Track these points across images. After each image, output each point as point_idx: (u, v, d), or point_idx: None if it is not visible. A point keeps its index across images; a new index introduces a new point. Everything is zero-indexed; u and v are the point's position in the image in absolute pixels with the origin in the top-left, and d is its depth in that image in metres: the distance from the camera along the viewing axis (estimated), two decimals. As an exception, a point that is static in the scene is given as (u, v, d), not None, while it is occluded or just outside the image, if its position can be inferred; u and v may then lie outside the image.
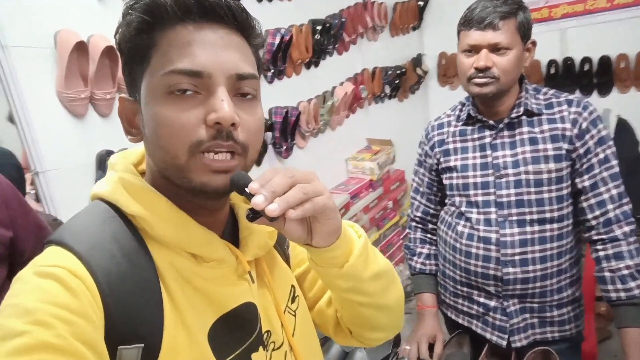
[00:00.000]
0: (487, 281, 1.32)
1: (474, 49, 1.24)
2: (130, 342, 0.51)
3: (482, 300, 1.36)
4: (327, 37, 2.48)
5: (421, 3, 3.35)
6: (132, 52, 0.56)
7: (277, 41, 2.13)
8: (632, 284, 1.20)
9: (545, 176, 1.26)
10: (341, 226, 0.61)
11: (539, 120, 1.28)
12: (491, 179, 1.31)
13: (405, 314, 2.19)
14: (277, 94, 2.25)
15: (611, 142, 1.25)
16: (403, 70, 3.16)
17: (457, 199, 1.38)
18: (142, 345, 0.52)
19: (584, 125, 1.23)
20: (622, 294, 1.21)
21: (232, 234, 0.65)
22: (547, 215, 1.27)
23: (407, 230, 1.58)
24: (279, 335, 0.65)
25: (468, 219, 1.35)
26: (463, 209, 1.36)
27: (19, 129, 1.52)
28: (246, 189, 0.53)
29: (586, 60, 2.96)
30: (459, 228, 1.37)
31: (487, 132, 1.33)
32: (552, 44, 2.98)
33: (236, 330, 0.60)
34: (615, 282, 1.22)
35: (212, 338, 0.57)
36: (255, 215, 0.53)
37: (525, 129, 1.29)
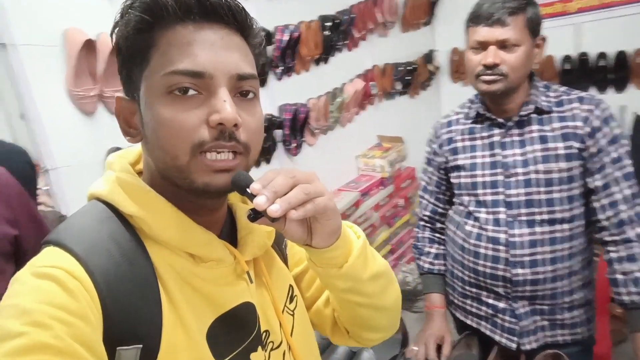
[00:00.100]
0: (495, 282, 1.30)
1: (481, 46, 1.22)
2: (129, 342, 0.51)
3: (490, 301, 1.34)
4: (337, 33, 2.47)
5: (433, -2, 3.31)
6: (130, 52, 0.56)
7: (285, 38, 2.12)
8: None
9: (555, 175, 1.23)
10: (341, 227, 0.61)
11: (549, 118, 1.25)
12: (500, 178, 1.29)
13: (415, 312, 2.17)
14: (286, 91, 2.24)
15: (625, 141, 1.22)
16: (414, 66, 3.13)
17: (465, 198, 1.36)
18: (141, 345, 0.51)
19: (596, 123, 1.20)
20: (635, 297, 1.18)
21: (230, 234, 0.65)
22: (558, 215, 1.24)
23: (416, 229, 1.56)
24: (277, 334, 0.65)
25: (476, 219, 1.33)
26: (471, 208, 1.34)
27: (29, 127, 1.53)
28: (247, 190, 0.53)
29: (602, 55, 2.89)
30: (467, 228, 1.35)
31: (496, 131, 1.31)
32: (566, 39, 2.92)
33: (235, 330, 0.60)
34: (627, 285, 1.19)
35: (210, 338, 0.57)
36: (256, 215, 0.53)
37: (535, 127, 1.26)
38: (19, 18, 1.43)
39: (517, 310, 1.29)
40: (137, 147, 0.63)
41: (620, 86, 2.90)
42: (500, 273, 1.28)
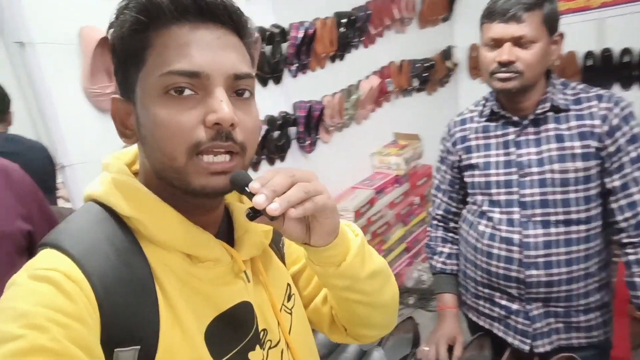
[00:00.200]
0: (508, 283, 1.28)
1: (496, 43, 1.20)
2: (127, 344, 0.51)
3: (503, 302, 1.31)
4: (352, 30, 2.45)
5: (452, -7, 3.26)
6: (126, 53, 0.56)
7: (300, 35, 2.11)
8: None
9: (571, 175, 1.20)
10: (339, 225, 0.61)
11: (566, 117, 1.22)
12: (515, 177, 1.27)
13: (430, 311, 2.14)
14: (301, 88, 2.23)
15: None
16: (431, 63, 3.09)
17: (479, 197, 1.34)
18: (139, 347, 0.52)
19: (615, 121, 1.17)
20: (653, 301, 1.15)
21: (227, 234, 0.65)
22: (574, 216, 1.21)
23: (429, 228, 1.55)
24: (275, 333, 0.65)
25: (490, 219, 1.31)
26: (485, 208, 1.32)
27: (46, 124, 1.56)
28: (247, 188, 0.53)
29: (626, 51, 2.81)
30: (480, 228, 1.33)
31: (511, 129, 1.28)
32: (589, 34, 2.84)
33: (233, 330, 0.60)
34: (645, 288, 1.16)
35: (209, 338, 0.57)
36: (255, 214, 0.53)
37: (551, 125, 1.23)
38: (36, 17, 1.45)
39: (530, 312, 1.26)
40: (134, 148, 0.63)
41: (645, 83, 2.82)
42: (513, 274, 1.26)
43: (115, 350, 0.51)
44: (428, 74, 3.06)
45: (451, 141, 1.41)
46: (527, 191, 1.25)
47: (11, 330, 0.45)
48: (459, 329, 1.38)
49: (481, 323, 1.39)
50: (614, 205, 1.20)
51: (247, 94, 0.58)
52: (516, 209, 1.26)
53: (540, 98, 1.25)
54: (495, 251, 1.29)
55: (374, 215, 2.47)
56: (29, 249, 1.18)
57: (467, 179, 1.38)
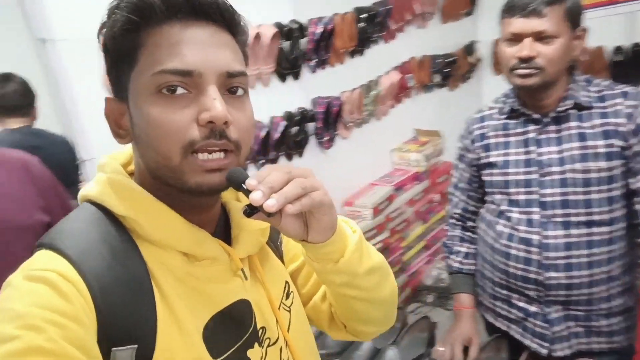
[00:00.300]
0: (527, 285, 1.25)
1: (516, 38, 1.16)
2: (124, 343, 0.51)
3: (521, 304, 1.28)
4: (372, 25, 2.42)
5: (476, -13, 3.20)
6: (118, 53, 0.56)
7: (319, 30, 2.10)
8: None
9: (594, 175, 1.16)
10: (336, 221, 0.61)
11: (589, 115, 1.18)
12: (534, 176, 1.23)
13: (449, 310, 2.12)
14: (320, 84, 2.22)
15: None
16: (453, 58, 3.03)
17: (497, 196, 1.31)
18: (136, 346, 0.52)
19: (641, 120, 1.12)
20: (679, 306, 1.10)
21: (224, 232, 0.65)
22: (596, 217, 1.17)
23: (446, 227, 1.52)
24: (273, 331, 0.65)
25: (508, 219, 1.28)
26: (503, 207, 1.29)
27: (67, 119, 1.59)
28: (243, 185, 0.53)
29: (658, 45, 2.71)
30: (499, 227, 1.30)
31: (532, 127, 1.25)
32: (618, 28, 2.75)
33: (231, 328, 0.60)
34: (670, 293, 1.12)
35: (207, 336, 0.57)
36: (252, 211, 0.53)
37: (573, 123, 1.20)
38: (58, 14, 1.47)
39: (549, 315, 1.23)
40: (129, 148, 0.63)
41: (677, 78, 2.72)
42: (532, 276, 1.23)
43: (112, 349, 0.51)
44: (450, 70, 3.01)
45: (470, 139, 1.38)
46: (548, 191, 1.21)
47: (7, 332, 0.45)
48: (475, 330, 1.36)
49: (498, 324, 1.36)
50: (638, 207, 1.16)
51: (240, 92, 0.58)
52: (536, 209, 1.23)
53: (563, 95, 1.21)
54: (513, 252, 1.26)
55: (393, 212, 2.44)
56: None
57: (485, 178, 1.35)
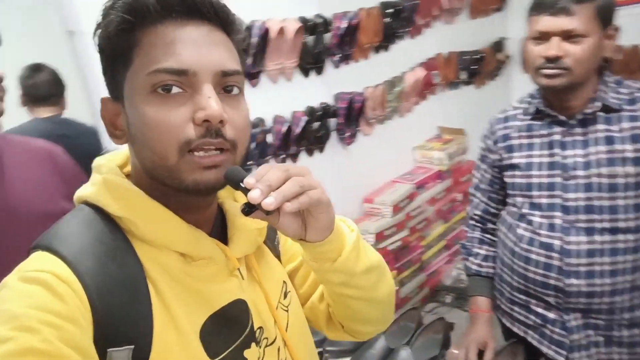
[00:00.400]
0: (546, 291, 1.22)
1: (543, 36, 1.13)
2: (120, 344, 0.51)
3: (540, 310, 1.25)
4: (398, 20, 2.39)
5: (507, -18, 3.12)
6: (113, 53, 0.56)
7: (344, 25, 2.08)
8: None
9: (621, 180, 1.12)
10: (334, 220, 0.61)
11: (618, 117, 1.14)
12: (558, 180, 1.20)
13: (466, 311, 2.08)
14: (343, 80, 2.20)
15: None
16: (481, 55, 2.97)
17: (519, 199, 1.28)
18: (132, 346, 0.52)
19: (673, 124, 1.08)
20: None
21: (220, 232, 0.65)
22: (621, 224, 1.13)
23: (465, 228, 1.50)
24: (271, 331, 0.65)
25: (529, 222, 1.25)
26: (525, 210, 1.26)
27: (94, 110, 1.62)
28: (241, 184, 0.53)
29: (698, 45, 2.60)
30: (519, 231, 1.27)
31: (557, 129, 1.21)
32: (656, 27, 2.65)
33: (227, 328, 0.60)
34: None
35: (204, 337, 0.57)
36: (250, 209, 0.53)
37: (601, 126, 1.16)
38: (86, 6, 1.50)
39: (568, 322, 1.20)
40: (126, 149, 0.63)
41: None
42: (552, 282, 1.20)
43: (108, 350, 0.51)
44: (477, 67, 2.95)
45: (492, 139, 1.35)
46: (571, 195, 1.18)
47: (2, 333, 0.45)
48: (490, 334, 1.34)
49: (515, 330, 1.33)
50: (667, 215, 1.11)
51: (235, 91, 0.58)
52: (558, 214, 1.19)
53: (591, 96, 1.17)
54: (533, 256, 1.23)
55: (414, 210, 2.42)
56: None
57: (507, 180, 1.32)
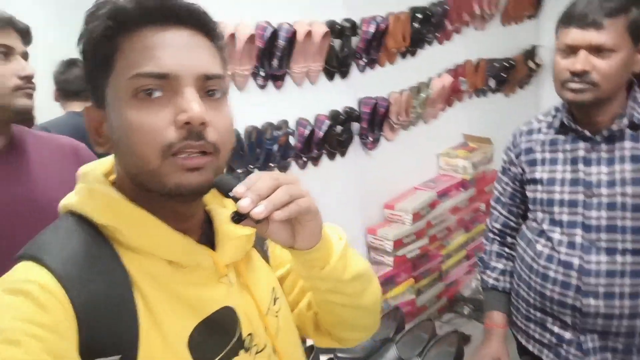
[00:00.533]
0: (563, 310, 1.19)
1: (571, 50, 1.10)
2: (106, 353, 0.51)
3: (556, 329, 1.23)
4: (428, 25, 2.37)
5: (542, -11, 3.05)
6: (96, 60, 0.56)
7: (372, 29, 2.08)
8: None
9: (646, 201, 1.09)
10: (322, 228, 0.62)
11: (646, 136, 1.10)
12: (580, 197, 1.17)
13: (483, 324, 2.05)
14: (368, 84, 2.20)
15: None
16: (512, 62, 2.91)
17: (539, 214, 1.25)
18: (119, 356, 0.52)
19: None
20: None
21: (209, 239, 0.65)
22: (645, 246, 1.10)
23: (484, 241, 1.47)
24: (261, 337, 0.64)
25: (549, 239, 1.22)
26: (545, 226, 1.23)
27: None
28: (231, 193, 0.53)
29: None
30: (538, 247, 1.24)
31: (582, 144, 1.18)
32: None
33: (215, 335, 0.59)
34: None
35: (192, 344, 0.57)
36: (240, 217, 0.53)
37: (627, 144, 1.12)
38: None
39: (584, 343, 1.17)
40: (111, 157, 0.63)
41: None
42: (569, 301, 1.17)
43: (95, 359, 0.51)
44: (507, 75, 2.90)
45: (515, 152, 1.33)
46: (593, 213, 1.15)
47: None
48: (504, 350, 1.31)
49: (530, 347, 1.31)
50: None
51: (218, 94, 0.58)
52: (579, 231, 1.16)
53: (618, 112, 1.14)
54: (551, 274, 1.20)
55: (435, 218, 2.39)
56: None
57: (528, 194, 1.29)
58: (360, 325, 0.76)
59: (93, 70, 0.57)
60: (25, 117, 1.13)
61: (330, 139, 2.05)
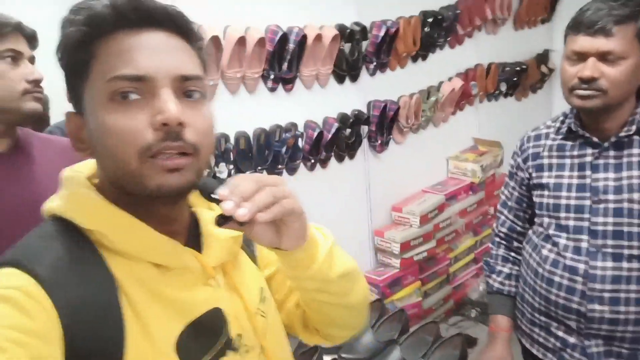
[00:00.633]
0: (568, 315, 1.19)
1: (580, 57, 1.10)
2: (92, 358, 0.51)
3: (560, 334, 1.23)
4: (439, 29, 2.37)
5: (555, -7, 3.04)
6: (73, 65, 0.56)
7: (382, 33, 2.09)
8: None
9: (653, 208, 1.08)
10: (307, 229, 0.62)
11: (654, 143, 1.10)
12: (587, 202, 1.17)
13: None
14: (378, 87, 2.21)
15: None
16: (524, 67, 2.91)
17: (545, 219, 1.26)
18: None
19: None
20: None
21: (195, 241, 0.65)
22: (651, 252, 1.10)
23: (490, 245, 1.48)
24: (250, 337, 0.64)
25: (555, 244, 1.22)
26: (551, 231, 1.24)
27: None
28: (214, 195, 0.53)
29: None
30: (544, 252, 1.24)
31: (589, 150, 1.18)
32: None
33: (204, 337, 0.59)
34: None
35: (180, 347, 0.56)
36: (224, 220, 0.53)
37: (636, 150, 1.13)
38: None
39: (588, 348, 1.17)
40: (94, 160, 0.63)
41: None
42: (574, 306, 1.17)
43: None
44: (518, 79, 2.89)
45: (522, 157, 1.33)
46: (600, 219, 1.15)
47: None
48: (508, 354, 1.32)
49: (534, 351, 1.31)
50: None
51: (197, 96, 0.57)
52: (585, 237, 1.17)
53: (627, 119, 1.14)
54: (556, 279, 1.20)
55: (442, 222, 2.39)
56: None
57: (535, 199, 1.29)
58: (348, 323, 0.77)
59: (71, 76, 0.58)
60: (40, 118, 1.14)
61: (339, 141, 2.06)
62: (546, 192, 1.25)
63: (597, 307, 1.14)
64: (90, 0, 0.55)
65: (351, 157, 2.15)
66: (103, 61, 0.55)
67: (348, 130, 2.08)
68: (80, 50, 0.55)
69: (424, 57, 2.40)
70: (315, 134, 1.92)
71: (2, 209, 1.04)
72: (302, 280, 0.66)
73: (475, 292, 2.52)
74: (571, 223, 1.19)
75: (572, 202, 1.20)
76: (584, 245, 1.17)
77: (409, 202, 2.35)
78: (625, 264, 1.12)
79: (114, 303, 0.54)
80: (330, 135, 1.98)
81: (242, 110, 1.79)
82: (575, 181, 1.20)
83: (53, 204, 0.59)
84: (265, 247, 0.61)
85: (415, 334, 1.55)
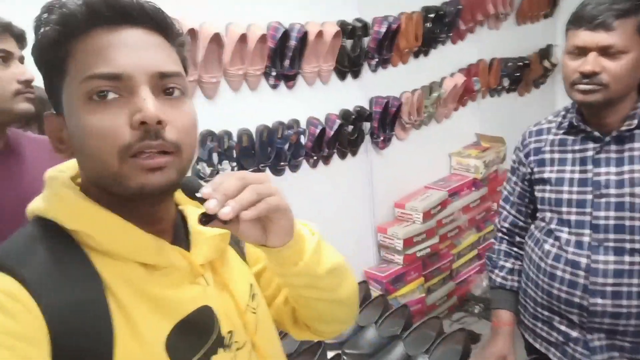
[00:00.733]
0: (570, 309, 1.19)
1: (580, 51, 1.10)
2: (82, 359, 0.51)
3: (562, 328, 1.23)
4: (440, 25, 2.37)
5: (558, -12, 3.03)
6: (49, 66, 0.55)
7: (383, 29, 2.09)
8: None
9: (655, 201, 1.08)
10: (294, 225, 0.61)
11: (655, 136, 1.10)
12: (589, 197, 1.17)
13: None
14: (380, 84, 2.22)
15: None
16: (526, 62, 2.90)
17: (547, 214, 1.26)
18: None
19: None
20: None
21: (184, 239, 0.64)
22: (653, 246, 1.10)
23: (493, 240, 1.48)
24: (241, 334, 0.64)
25: (557, 238, 1.22)
26: (553, 226, 1.24)
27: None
28: (197, 194, 0.53)
29: None
30: (546, 246, 1.24)
31: (591, 145, 1.18)
32: None
33: (194, 336, 0.59)
34: None
35: (170, 346, 0.56)
36: (208, 219, 0.53)
37: (637, 144, 1.12)
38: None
39: (591, 342, 1.17)
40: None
41: None
42: (576, 300, 1.18)
43: None
44: (520, 74, 2.89)
45: (524, 152, 1.33)
46: (602, 213, 1.15)
47: None
48: (510, 349, 1.32)
49: (537, 346, 1.31)
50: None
51: (177, 93, 0.56)
52: (587, 231, 1.17)
53: (628, 113, 1.13)
54: (559, 273, 1.20)
55: (445, 218, 2.40)
56: None
57: (537, 194, 1.29)
58: (337, 318, 0.77)
59: (48, 77, 0.57)
60: (32, 119, 1.13)
61: (342, 138, 2.07)
62: (548, 187, 1.25)
63: (599, 301, 1.14)
64: None
65: (354, 153, 2.16)
66: (79, 60, 0.53)
67: (350, 127, 2.09)
68: (56, 50, 0.54)
69: (426, 53, 2.40)
70: (318, 130, 1.93)
71: None
72: (290, 277, 0.65)
73: (479, 288, 2.53)
74: (573, 217, 1.19)
75: (574, 196, 1.19)
76: (586, 239, 1.17)
77: (412, 198, 2.36)
78: (627, 258, 1.12)
79: (101, 304, 0.53)
80: (332, 132, 1.98)
81: (245, 107, 1.80)
82: (577, 176, 1.20)
83: (37, 205, 0.58)
84: (252, 244, 0.61)
85: (418, 330, 1.55)
